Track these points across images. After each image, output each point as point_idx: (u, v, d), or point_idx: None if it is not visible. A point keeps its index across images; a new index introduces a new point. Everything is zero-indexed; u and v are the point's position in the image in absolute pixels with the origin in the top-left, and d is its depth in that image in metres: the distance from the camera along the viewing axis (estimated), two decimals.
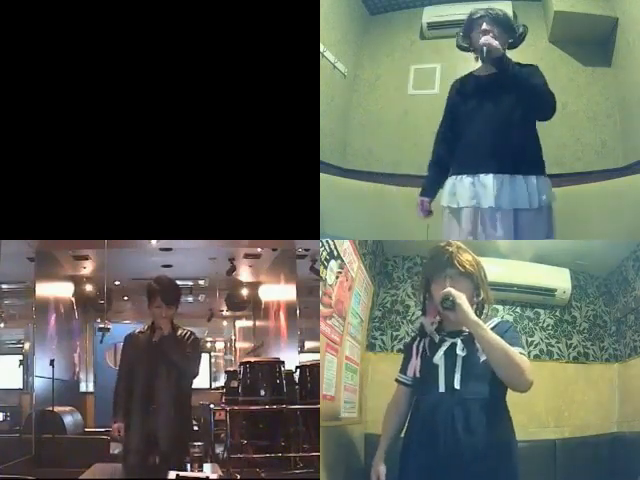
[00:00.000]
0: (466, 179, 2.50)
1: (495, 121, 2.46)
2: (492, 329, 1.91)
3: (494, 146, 2.44)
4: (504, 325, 2.01)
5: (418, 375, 2.07)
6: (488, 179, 2.44)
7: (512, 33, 2.49)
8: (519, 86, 2.41)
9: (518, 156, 2.46)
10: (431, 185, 2.65)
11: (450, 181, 2.57)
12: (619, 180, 3.89)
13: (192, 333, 2.83)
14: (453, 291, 1.91)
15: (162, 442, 2.68)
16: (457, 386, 1.92)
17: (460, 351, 1.96)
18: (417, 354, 2.09)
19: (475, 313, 1.95)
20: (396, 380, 2.22)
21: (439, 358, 1.99)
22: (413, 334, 2.25)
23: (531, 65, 2.49)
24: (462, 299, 1.89)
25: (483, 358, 1.90)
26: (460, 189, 2.51)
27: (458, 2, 4.75)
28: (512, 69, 2.40)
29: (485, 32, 2.42)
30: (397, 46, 5.07)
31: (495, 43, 2.37)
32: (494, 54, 2.38)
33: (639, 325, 3.70)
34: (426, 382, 2.02)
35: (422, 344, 2.09)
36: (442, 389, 1.95)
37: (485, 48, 2.38)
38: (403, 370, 2.18)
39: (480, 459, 1.84)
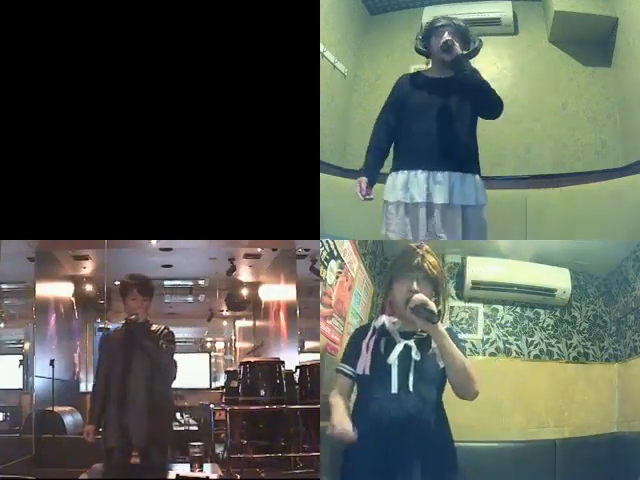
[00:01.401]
0: (421, 175, 2.52)
1: (449, 120, 2.52)
2: None
3: (449, 144, 2.51)
4: (452, 332, 2.01)
5: (367, 372, 2.02)
6: (443, 176, 2.50)
7: (469, 45, 2.58)
8: (473, 87, 2.49)
9: (467, 155, 2.55)
10: (373, 168, 2.65)
11: (400, 176, 2.58)
12: (619, 180, 3.89)
13: (166, 327, 2.84)
14: (428, 301, 1.90)
15: (137, 438, 2.66)
16: (411, 389, 1.94)
17: (415, 355, 1.97)
18: (367, 350, 2.04)
19: None
20: (339, 371, 2.11)
21: (393, 359, 1.98)
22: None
23: (473, 68, 2.56)
24: (434, 307, 1.90)
25: (441, 365, 1.92)
26: (414, 184, 2.53)
27: (458, 2, 4.75)
28: (469, 67, 2.47)
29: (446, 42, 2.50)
30: (397, 46, 5.07)
31: (456, 44, 2.44)
32: (453, 53, 2.45)
33: (639, 325, 3.71)
34: (376, 381, 2.00)
35: (375, 341, 2.05)
36: (394, 390, 1.95)
37: (448, 44, 2.44)
38: (349, 362, 2.09)
39: (425, 458, 1.89)
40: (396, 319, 2.05)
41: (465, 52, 2.53)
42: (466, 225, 2.53)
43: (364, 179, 2.61)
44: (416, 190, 2.52)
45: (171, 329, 2.85)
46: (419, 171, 2.53)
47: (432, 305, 1.90)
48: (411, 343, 1.99)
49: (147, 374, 2.72)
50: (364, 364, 2.03)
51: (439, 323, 1.89)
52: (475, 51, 2.61)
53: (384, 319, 2.07)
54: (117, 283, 7.80)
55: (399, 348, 2.00)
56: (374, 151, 2.67)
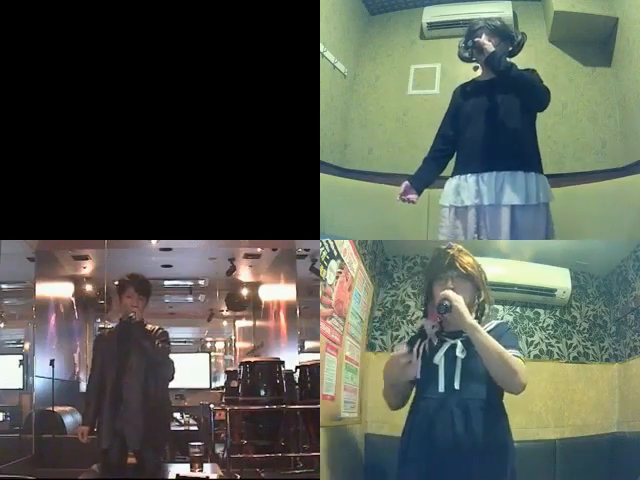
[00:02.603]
0: (470, 178, 2.54)
1: (497, 120, 2.51)
2: (490, 331, 1.94)
3: (497, 144, 2.50)
4: (502, 327, 2.04)
5: (419, 377, 2.06)
6: (490, 176, 2.50)
7: (511, 41, 2.57)
8: (513, 82, 2.48)
9: (517, 153, 2.51)
10: (421, 176, 2.68)
11: (453, 181, 2.61)
12: (619, 180, 3.88)
13: (161, 328, 2.85)
14: (450, 294, 1.93)
15: (131, 440, 2.65)
16: (457, 387, 1.93)
17: (460, 353, 1.98)
18: (418, 355, 2.09)
19: (476, 315, 1.98)
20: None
21: (439, 359, 2.00)
22: (413, 334, 2.25)
23: (528, 69, 2.56)
24: (459, 302, 1.91)
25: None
26: (465, 188, 2.55)
27: (458, 2, 4.75)
28: (504, 64, 2.46)
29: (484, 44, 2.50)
30: (397, 46, 5.06)
31: (488, 44, 2.45)
32: (485, 53, 2.46)
33: (639, 325, 3.70)
34: (426, 383, 2.03)
35: (422, 346, 2.09)
36: (442, 389, 1.97)
37: (476, 44, 2.46)
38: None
39: (478, 459, 1.86)
40: (436, 322, 2.05)
41: (510, 48, 2.55)
42: (517, 224, 2.51)
43: (406, 182, 2.64)
44: (465, 193, 2.55)
45: (166, 329, 2.85)
46: (469, 175, 2.55)
47: (452, 297, 1.91)
48: (456, 342, 2.00)
49: (142, 374, 2.72)
50: (415, 369, 2.05)
51: (467, 316, 1.89)
52: (520, 45, 2.59)
53: (423, 323, 2.09)
54: (117, 283, 7.76)
55: (444, 348, 2.02)
56: (426, 160, 2.72)
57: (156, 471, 2.63)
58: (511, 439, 2.01)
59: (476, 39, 2.48)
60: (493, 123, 2.52)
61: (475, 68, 2.63)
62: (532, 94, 2.51)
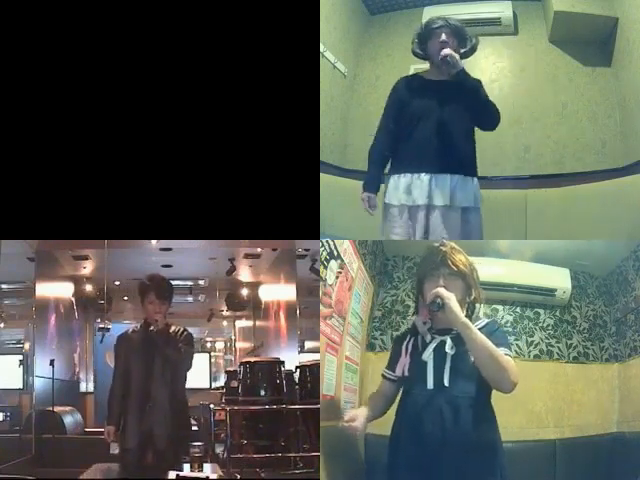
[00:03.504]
0: (424, 177, 2.54)
1: (449, 123, 2.53)
2: (481, 329, 1.94)
3: (451, 147, 2.53)
4: (492, 325, 2.04)
5: (407, 374, 2.07)
6: (445, 178, 2.52)
7: (466, 44, 2.59)
8: (469, 95, 2.51)
9: (467, 158, 2.58)
10: (374, 180, 2.68)
11: (403, 179, 2.59)
12: (619, 180, 3.89)
13: (185, 329, 2.85)
14: (442, 291, 1.93)
15: (158, 440, 2.67)
16: (446, 383, 1.94)
17: (449, 349, 1.98)
18: (407, 352, 2.10)
19: (467, 313, 1.98)
20: (382, 376, 2.22)
21: (428, 355, 2.01)
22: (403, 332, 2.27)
23: (475, 79, 2.59)
24: (451, 299, 1.91)
25: (473, 358, 1.92)
26: (417, 187, 2.55)
27: (458, 2, 4.75)
28: (470, 82, 2.52)
29: (444, 43, 2.50)
30: (397, 46, 5.07)
31: (457, 57, 2.46)
32: (455, 67, 2.46)
33: (639, 325, 3.70)
34: (414, 379, 2.03)
35: (412, 343, 2.10)
36: (430, 386, 1.97)
37: (448, 60, 2.45)
38: (391, 367, 2.18)
39: (467, 456, 1.87)
40: (427, 319, 2.07)
41: (462, 50, 2.56)
42: (465, 226, 2.55)
43: (371, 195, 2.64)
44: (418, 193, 2.54)
45: (189, 330, 2.84)
46: (422, 174, 2.54)
47: (444, 295, 1.92)
48: (446, 339, 2.00)
49: (167, 378, 2.73)
50: (402, 366, 2.09)
51: (459, 314, 1.89)
52: (472, 49, 2.62)
53: (414, 320, 2.12)
54: (117, 283, 7.78)
55: (433, 345, 2.02)
56: (377, 159, 2.69)
57: (177, 470, 2.64)
58: (499, 437, 2.01)
59: (448, 52, 2.44)
60: (446, 125, 2.53)
61: (431, 65, 2.61)
62: (485, 115, 2.56)
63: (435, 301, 1.93)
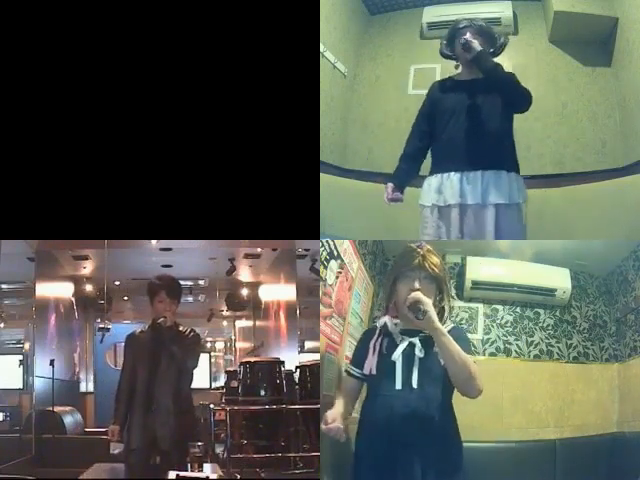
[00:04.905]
0: (454, 176, 2.53)
1: (480, 120, 2.53)
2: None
3: (481, 144, 2.51)
4: (458, 331, 2.04)
5: (374, 372, 2.06)
6: (475, 175, 2.50)
7: (493, 43, 2.62)
8: (498, 82, 2.51)
9: (500, 153, 2.54)
10: (401, 175, 2.69)
11: (434, 180, 2.60)
12: (619, 180, 3.88)
13: (193, 330, 2.86)
14: (423, 298, 1.92)
15: (163, 441, 2.68)
16: (414, 385, 1.95)
17: (419, 352, 1.99)
18: (374, 351, 2.09)
19: (437, 315, 1.97)
20: (347, 372, 2.20)
21: (397, 356, 2.01)
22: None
23: (509, 72, 2.59)
24: (430, 306, 1.91)
25: (442, 362, 1.94)
26: (447, 187, 2.54)
27: (458, 2, 4.75)
28: (490, 64, 2.50)
29: (466, 41, 2.51)
30: (397, 46, 5.06)
31: (475, 42, 2.48)
32: (473, 51, 2.48)
33: (639, 325, 3.71)
34: (382, 379, 2.03)
35: (380, 342, 2.09)
36: (399, 386, 1.98)
37: (466, 44, 2.48)
38: (357, 364, 2.16)
39: (431, 454, 1.90)
40: (397, 320, 2.07)
41: (491, 50, 2.58)
42: (501, 223, 2.51)
43: (390, 184, 2.64)
44: (449, 192, 2.54)
45: (197, 331, 2.85)
46: (452, 173, 2.54)
47: (425, 302, 1.91)
48: (415, 341, 2.01)
49: (174, 378, 2.73)
50: (370, 364, 2.07)
51: (436, 321, 1.90)
52: (502, 47, 2.64)
53: (386, 319, 2.10)
54: (117, 283, 7.78)
55: (403, 346, 2.03)
56: (405, 158, 2.72)
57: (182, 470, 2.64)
58: (460, 437, 2.05)
59: (464, 37, 2.49)
60: (476, 122, 2.53)
61: (456, 66, 2.65)
62: (515, 95, 2.52)
63: (419, 308, 1.90)
